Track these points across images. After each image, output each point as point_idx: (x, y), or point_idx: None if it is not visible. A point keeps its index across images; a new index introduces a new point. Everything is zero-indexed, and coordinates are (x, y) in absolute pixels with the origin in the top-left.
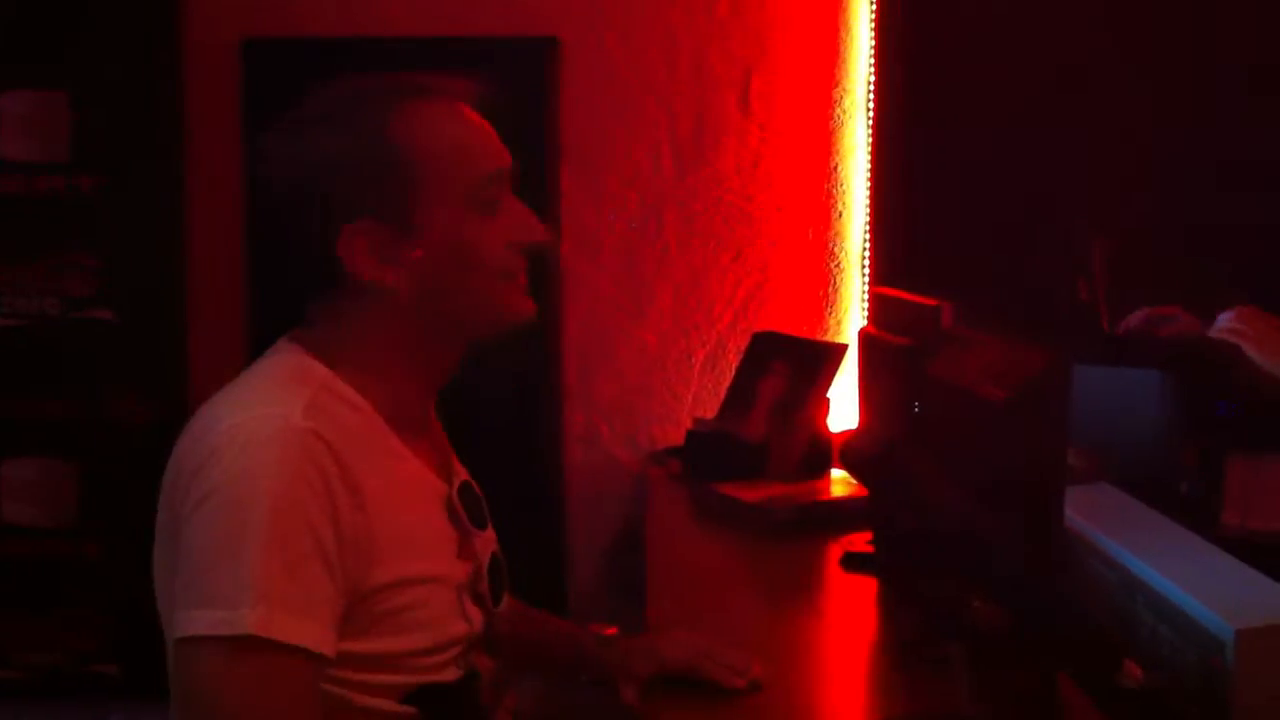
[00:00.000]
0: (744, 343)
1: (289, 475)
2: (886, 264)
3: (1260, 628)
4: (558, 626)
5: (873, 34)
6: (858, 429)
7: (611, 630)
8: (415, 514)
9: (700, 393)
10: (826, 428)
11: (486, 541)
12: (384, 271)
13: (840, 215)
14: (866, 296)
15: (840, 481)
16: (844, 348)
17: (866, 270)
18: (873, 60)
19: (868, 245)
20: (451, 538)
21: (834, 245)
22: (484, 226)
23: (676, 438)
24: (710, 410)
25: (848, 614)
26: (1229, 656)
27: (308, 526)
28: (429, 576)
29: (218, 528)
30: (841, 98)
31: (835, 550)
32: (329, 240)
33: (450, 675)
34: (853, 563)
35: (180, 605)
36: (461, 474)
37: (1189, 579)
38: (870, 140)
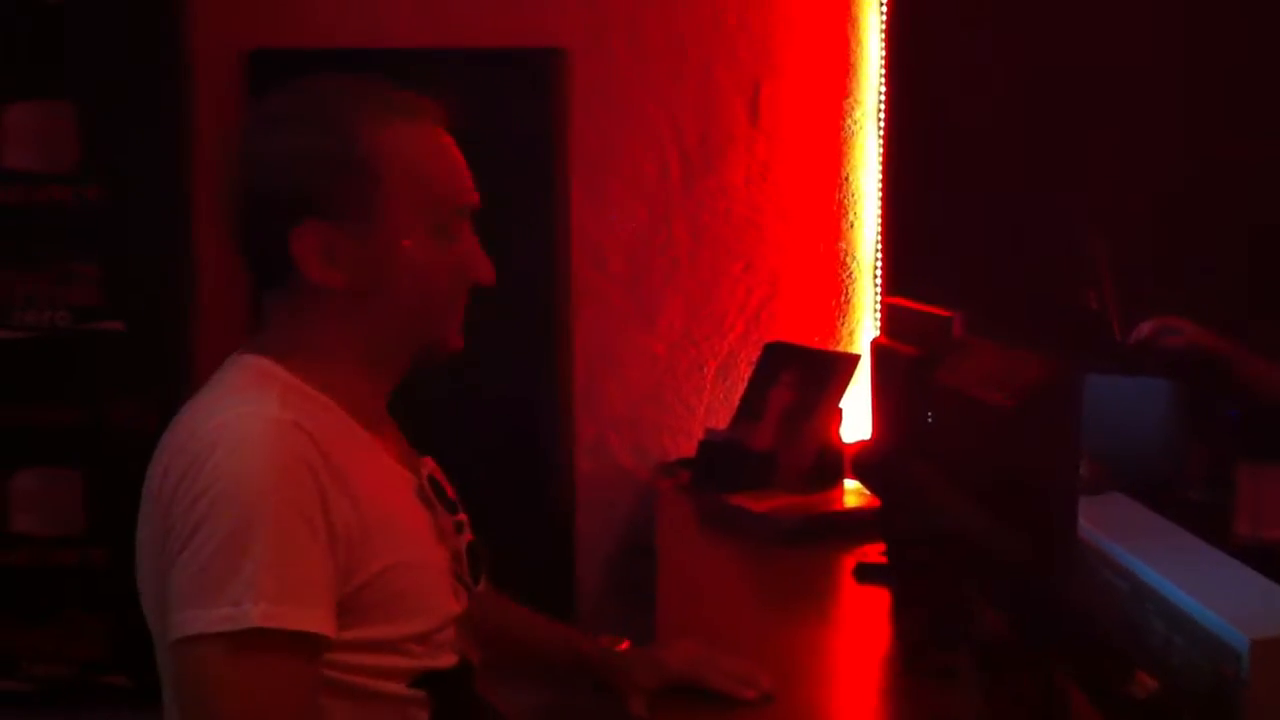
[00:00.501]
0: (755, 353)
1: (278, 468)
2: (898, 274)
3: (1275, 638)
4: (553, 630)
5: (883, 44)
6: (870, 439)
7: (624, 644)
8: (395, 502)
9: (713, 403)
10: (839, 438)
11: (460, 526)
12: (330, 273)
13: (852, 225)
14: (879, 307)
15: (853, 492)
16: (856, 358)
17: (879, 280)
18: (883, 70)
19: (879, 255)
20: (429, 524)
21: (845, 256)
22: (437, 252)
23: (688, 448)
24: (723, 421)
25: (858, 625)
26: (1243, 667)
27: (302, 517)
28: (418, 561)
29: (213, 526)
30: (852, 108)
31: (848, 561)
32: (284, 235)
33: (449, 661)
34: (866, 574)
35: (181, 606)
36: (428, 464)
37: (1202, 588)
38: (881, 150)
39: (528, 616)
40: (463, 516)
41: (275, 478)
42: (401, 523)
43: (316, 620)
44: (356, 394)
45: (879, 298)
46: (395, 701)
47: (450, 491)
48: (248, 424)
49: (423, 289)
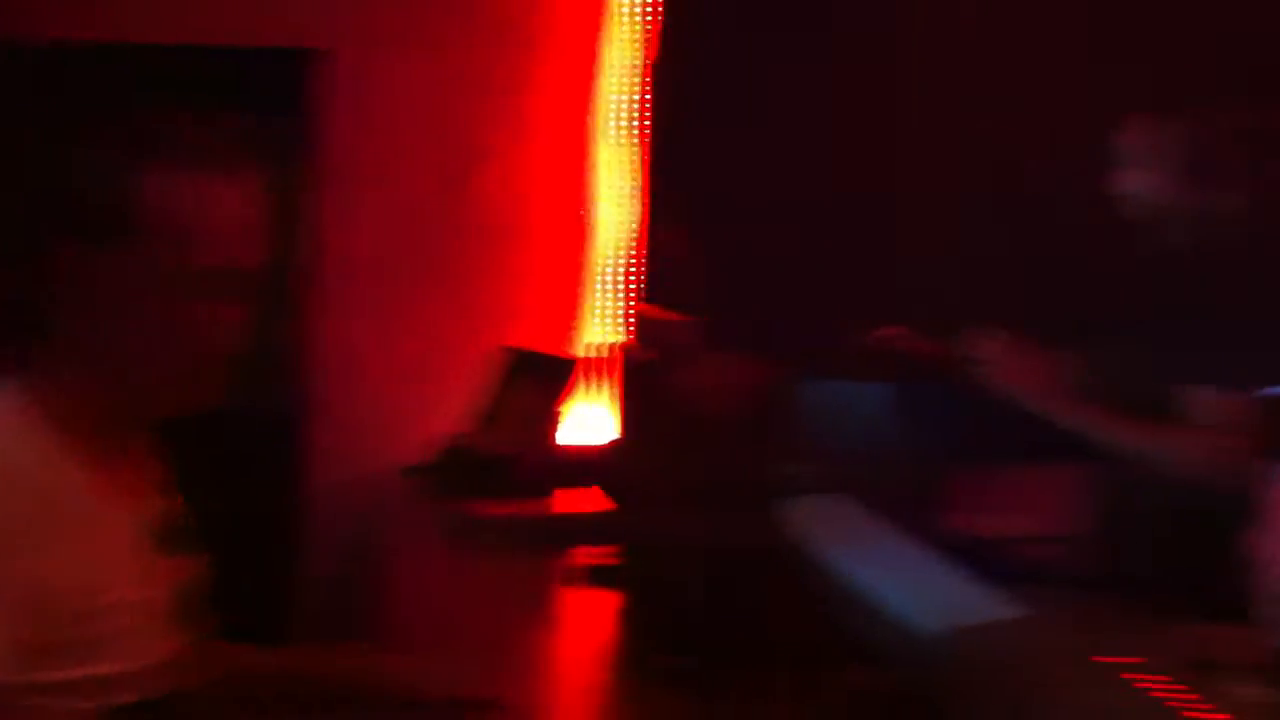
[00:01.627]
0: (496, 358)
1: None
2: (644, 281)
3: (968, 628)
4: (349, 659)
5: (640, 54)
6: (610, 442)
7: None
8: (102, 541)
9: (455, 409)
10: (568, 441)
11: (181, 568)
12: (72, 293)
13: (599, 233)
14: (624, 313)
15: (586, 495)
16: (579, 361)
17: (624, 287)
18: (637, 81)
19: (628, 263)
20: (142, 563)
21: (592, 263)
22: (170, 304)
23: (429, 455)
24: (465, 426)
25: (591, 627)
26: (941, 656)
27: None
28: (120, 603)
29: None
30: (605, 118)
31: (580, 564)
32: (46, 249)
33: (140, 697)
34: (594, 576)
35: None
36: (163, 500)
37: (906, 584)
38: (634, 160)
39: (254, 652)
40: (186, 559)
41: None
42: (103, 564)
43: None
44: (89, 424)
45: (626, 304)
46: None
47: (183, 531)
48: None
49: (147, 338)
